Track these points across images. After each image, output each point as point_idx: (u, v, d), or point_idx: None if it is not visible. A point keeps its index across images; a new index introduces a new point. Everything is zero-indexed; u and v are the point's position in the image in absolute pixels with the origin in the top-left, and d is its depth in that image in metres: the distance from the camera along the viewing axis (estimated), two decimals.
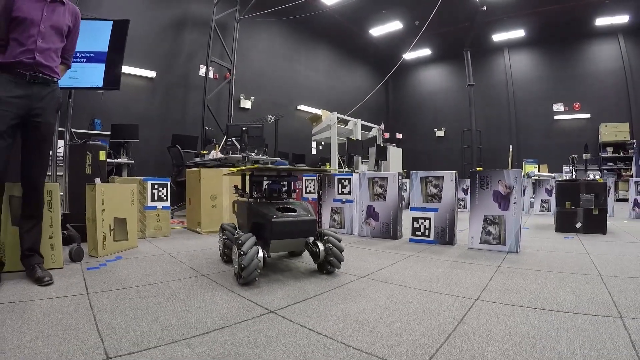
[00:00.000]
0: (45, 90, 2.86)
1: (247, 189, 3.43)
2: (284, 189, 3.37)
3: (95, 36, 4.40)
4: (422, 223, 4.63)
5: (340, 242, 3.08)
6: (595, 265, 3.29)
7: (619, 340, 1.70)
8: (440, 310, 2.15)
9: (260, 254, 2.67)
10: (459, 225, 4.80)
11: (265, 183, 3.39)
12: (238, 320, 1.99)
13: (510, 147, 16.28)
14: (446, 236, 4.51)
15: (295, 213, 2.98)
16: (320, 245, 3.04)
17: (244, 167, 3.31)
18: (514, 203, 4.02)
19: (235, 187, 3.64)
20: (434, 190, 4.57)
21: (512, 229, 4.02)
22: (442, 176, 4.53)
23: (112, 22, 4.52)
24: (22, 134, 2.82)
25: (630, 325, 1.87)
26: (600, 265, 3.31)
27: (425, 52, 19.41)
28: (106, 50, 4.38)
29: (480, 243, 4.20)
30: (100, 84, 4.39)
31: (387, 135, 15.17)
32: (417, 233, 4.66)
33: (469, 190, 4.41)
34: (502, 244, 4.07)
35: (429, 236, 4.59)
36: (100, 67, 4.37)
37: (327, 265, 3.04)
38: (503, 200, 4.09)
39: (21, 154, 2.85)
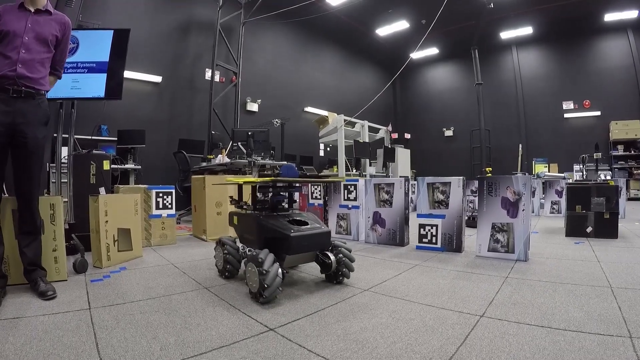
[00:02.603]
0: (29, 104, 2.82)
1: (245, 201, 3.42)
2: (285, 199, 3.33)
3: (96, 46, 4.40)
4: (429, 230, 4.58)
5: (350, 252, 3.11)
6: (606, 275, 3.22)
7: None
8: (443, 328, 2.10)
9: (280, 270, 2.61)
10: (468, 229, 4.73)
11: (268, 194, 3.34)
12: (237, 339, 1.97)
13: (520, 146, 16.18)
14: (453, 243, 4.45)
15: (309, 226, 2.94)
16: (332, 257, 3.02)
17: (257, 179, 3.22)
18: (523, 210, 3.95)
19: (231, 198, 3.56)
20: (440, 197, 4.53)
21: (521, 236, 3.95)
22: (449, 182, 4.48)
23: (112, 31, 4.52)
24: (11, 151, 2.81)
25: (639, 346, 1.81)
26: (611, 275, 3.24)
27: (433, 51, 19.31)
28: (107, 60, 4.37)
29: (488, 251, 4.14)
30: (102, 94, 4.38)
31: (395, 135, 15.14)
32: (424, 240, 4.61)
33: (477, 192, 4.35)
34: (511, 252, 4.00)
35: (436, 243, 4.54)
36: (102, 77, 4.36)
37: (338, 276, 3.06)
38: (512, 207, 4.02)
39: (13, 171, 2.84)
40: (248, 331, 2.07)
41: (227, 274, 3.23)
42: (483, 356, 1.75)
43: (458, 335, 2.01)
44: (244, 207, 3.38)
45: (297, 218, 3.00)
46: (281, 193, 3.30)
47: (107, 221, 3.75)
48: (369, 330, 2.08)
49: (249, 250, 3.14)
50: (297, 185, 3.48)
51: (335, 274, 3.06)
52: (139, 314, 2.33)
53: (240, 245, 3.33)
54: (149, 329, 2.09)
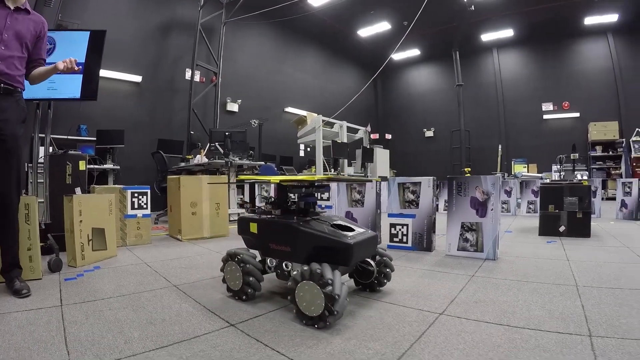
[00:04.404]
0: (7, 101, 2.83)
1: (252, 203, 2.98)
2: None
3: (72, 47, 4.40)
4: (400, 229, 4.65)
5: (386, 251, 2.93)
6: (574, 274, 3.26)
7: None
8: (400, 326, 2.15)
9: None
10: (442, 228, 4.76)
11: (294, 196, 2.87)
12: (198, 333, 2.03)
13: (499, 146, 16.35)
14: (424, 242, 4.53)
15: (358, 231, 2.60)
16: (372, 262, 2.75)
17: (298, 177, 2.80)
18: (492, 210, 4.03)
19: (243, 201, 3.10)
20: (411, 197, 4.59)
21: (490, 235, 4.03)
22: (420, 182, 4.55)
23: (89, 32, 4.54)
24: None
25: (597, 345, 1.83)
26: (579, 273, 3.28)
27: (414, 52, 19.50)
28: (83, 61, 4.38)
29: (457, 250, 4.22)
30: (77, 95, 4.40)
31: (376, 136, 15.21)
32: (395, 239, 4.68)
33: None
34: (480, 251, 4.08)
35: (406, 242, 4.61)
36: (78, 78, 4.37)
37: (382, 279, 2.85)
38: (480, 207, 4.10)
39: None
40: (210, 326, 2.14)
41: (246, 296, 2.60)
42: (436, 353, 1.79)
43: (414, 332, 2.05)
44: (257, 210, 2.91)
45: (337, 222, 2.66)
46: (312, 195, 2.86)
47: (81, 221, 3.78)
48: (326, 326, 2.12)
49: (286, 265, 2.63)
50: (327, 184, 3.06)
51: (379, 280, 2.83)
52: (108, 310, 2.39)
53: (260, 258, 2.77)
54: (116, 324, 2.16)
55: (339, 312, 2.09)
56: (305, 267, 2.21)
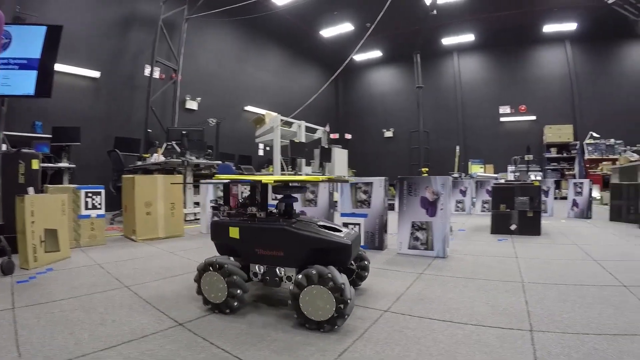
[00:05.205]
0: None
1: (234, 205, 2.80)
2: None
3: (28, 42, 4.33)
4: (352, 228, 4.70)
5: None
6: (520, 271, 3.40)
7: (522, 357, 1.74)
8: (345, 323, 2.18)
9: None
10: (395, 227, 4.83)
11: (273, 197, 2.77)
12: (146, 333, 2.07)
13: (457, 147, 16.65)
14: (375, 241, 4.63)
15: (346, 231, 2.56)
16: (353, 263, 2.84)
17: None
18: (441, 209, 4.16)
19: (216, 203, 2.87)
20: (363, 197, 4.69)
21: (440, 234, 4.17)
22: (372, 182, 4.64)
23: (45, 27, 4.47)
24: None
25: (538, 339, 1.92)
26: (526, 270, 3.43)
27: (376, 53, 19.72)
28: (39, 57, 4.32)
29: (408, 248, 4.34)
30: (32, 91, 4.33)
31: (336, 136, 15.24)
32: None
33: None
34: (430, 249, 4.21)
35: None
36: (33, 75, 4.30)
37: (357, 280, 2.88)
38: (430, 207, 4.23)
39: None
40: (158, 326, 2.18)
41: (230, 309, 2.38)
42: (377, 349, 1.87)
43: (358, 329, 2.12)
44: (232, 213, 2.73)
45: (322, 223, 2.57)
46: (292, 196, 2.72)
47: (33, 222, 3.72)
48: (272, 325, 2.19)
49: (279, 270, 2.45)
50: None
51: (354, 281, 2.84)
52: (59, 313, 2.40)
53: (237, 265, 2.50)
54: (67, 325, 2.17)
55: (349, 315, 2.12)
56: (314, 272, 2.12)
